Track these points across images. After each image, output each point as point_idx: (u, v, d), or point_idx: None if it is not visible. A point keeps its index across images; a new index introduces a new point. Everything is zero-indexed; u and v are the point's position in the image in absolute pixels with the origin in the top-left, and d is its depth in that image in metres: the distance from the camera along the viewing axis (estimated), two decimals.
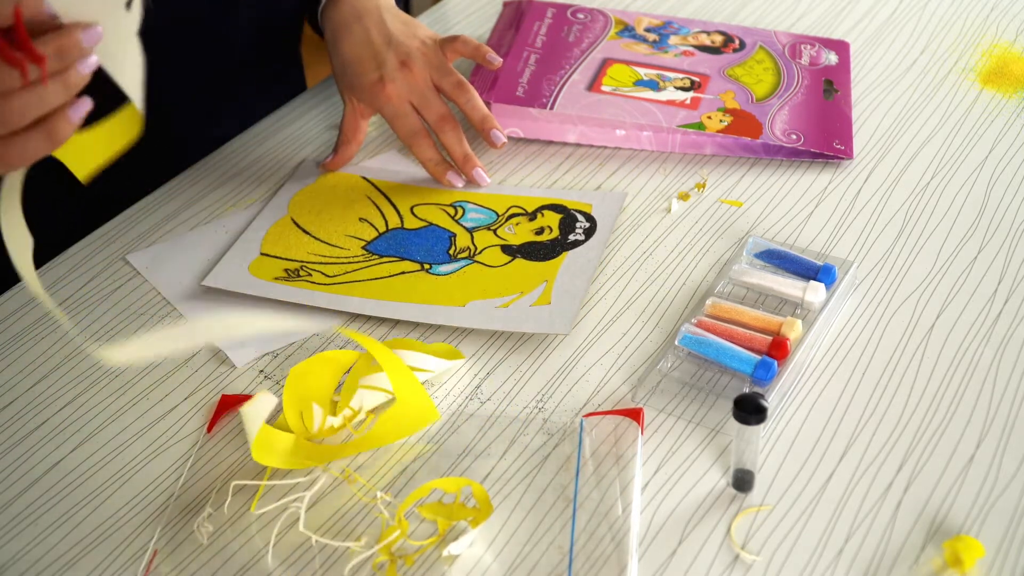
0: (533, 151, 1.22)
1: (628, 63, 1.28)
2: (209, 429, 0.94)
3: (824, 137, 1.19)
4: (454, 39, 1.21)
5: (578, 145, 1.23)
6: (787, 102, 1.23)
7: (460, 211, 1.14)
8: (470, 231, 1.12)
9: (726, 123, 1.20)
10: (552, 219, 1.12)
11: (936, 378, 0.95)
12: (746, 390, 0.92)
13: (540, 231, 1.11)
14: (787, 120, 1.21)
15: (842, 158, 1.17)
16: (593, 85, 1.25)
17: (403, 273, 1.07)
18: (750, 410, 0.83)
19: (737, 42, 1.32)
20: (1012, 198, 1.13)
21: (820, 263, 1.03)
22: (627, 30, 1.34)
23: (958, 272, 1.05)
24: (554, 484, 0.88)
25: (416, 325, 1.02)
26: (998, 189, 1.14)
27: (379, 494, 0.87)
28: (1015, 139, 1.20)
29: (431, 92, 1.17)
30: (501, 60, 1.22)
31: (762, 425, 0.84)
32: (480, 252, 1.09)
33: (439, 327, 1.02)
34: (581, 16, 1.36)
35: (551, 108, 1.21)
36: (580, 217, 1.12)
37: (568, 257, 1.08)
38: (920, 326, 1.00)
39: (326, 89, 1.34)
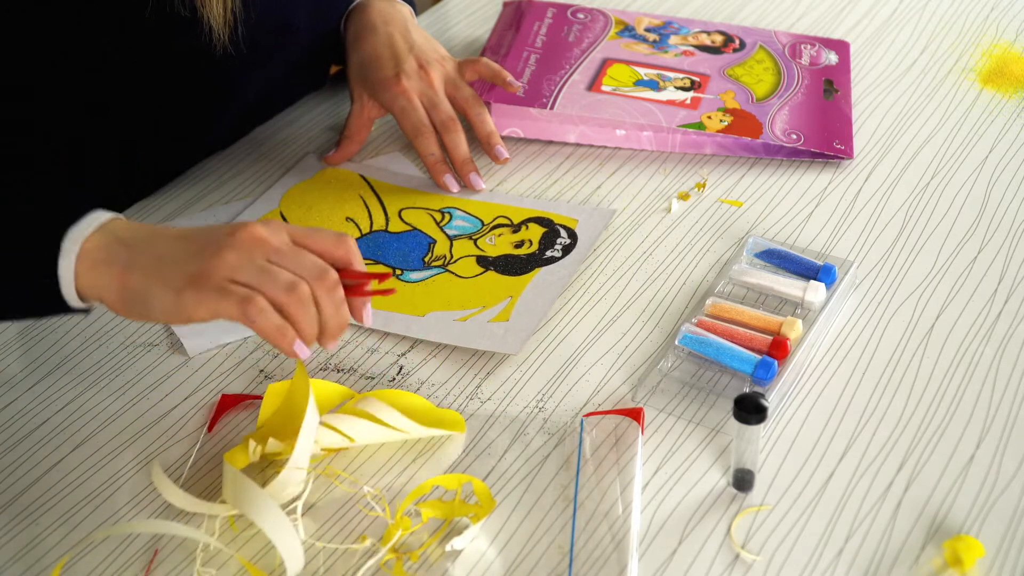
0: (533, 151, 1.22)
1: (628, 63, 1.28)
2: (209, 429, 0.94)
3: (824, 137, 1.19)
4: (475, 60, 1.22)
5: (578, 145, 1.23)
6: (787, 102, 1.23)
7: (447, 217, 1.14)
8: (451, 239, 1.12)
9: (726, 123, 1.20)
10: (535, 233, 1.12)
11: (936, 378, 0.95)
12: (746, 390, 0.92)
13: (520, 244, 1.11)
14: (787, 120, 1.21)
15: (842, 158, 1.17)
16: (593, 85, 1.25)
17: None
18: (750, 410, 0.83)
19: (737, 42, 1.32)
20: (1012, 198, 1.13)
21: (820, 263, 1.03)
22: (627, 30, 1.34)
23: (958, 272, 1.05)
24: (554, 484, 0.88)
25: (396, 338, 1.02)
26: (998, 189, 1.14)
27: (367, 489, 0.87)
28: (1015, 139, 1.20)
29: (442, 96, 1.19)
30: (520, 84, 1.23)
31: (762, 425, 0.84)
32: (455, 261, 1.09)
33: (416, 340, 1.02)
34: (581, 16, 1.36)
35: (551, 108, 1.21)
36: (563, 232, 1.12)
37: (539, 274, 1.07)
38: (920, 326, 1.00)
39: (328, 91, 1.34)
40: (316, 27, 1.24)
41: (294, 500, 0.86)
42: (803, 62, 1.29)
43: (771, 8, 1.43)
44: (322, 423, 0.88)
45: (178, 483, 0.90)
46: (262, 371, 0.99)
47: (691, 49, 1.31)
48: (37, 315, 0.95)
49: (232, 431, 0.94)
